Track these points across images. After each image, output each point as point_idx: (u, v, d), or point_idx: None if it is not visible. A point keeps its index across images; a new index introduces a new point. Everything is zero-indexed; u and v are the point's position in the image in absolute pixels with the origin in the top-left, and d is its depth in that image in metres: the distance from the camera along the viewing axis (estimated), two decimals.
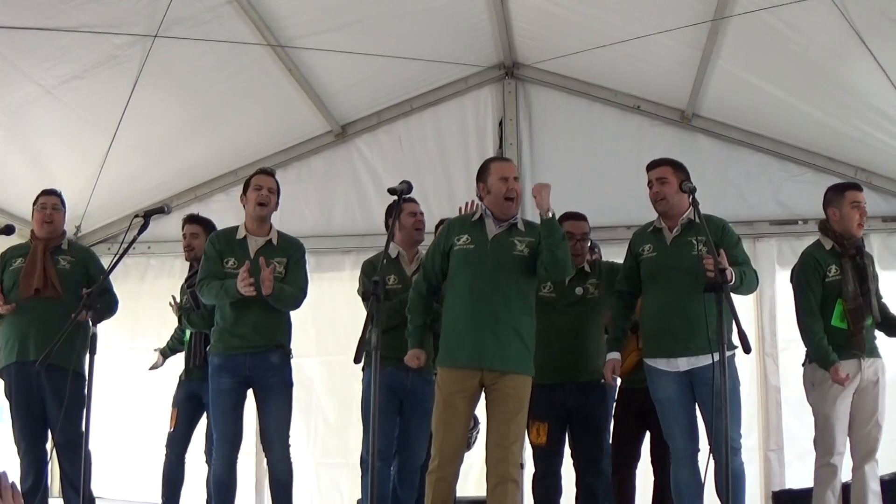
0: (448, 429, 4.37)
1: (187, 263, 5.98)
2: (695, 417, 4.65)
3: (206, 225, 5.88)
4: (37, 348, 5.12)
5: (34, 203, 5.54)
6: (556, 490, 5.13)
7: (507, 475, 4.27)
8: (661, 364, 4.65)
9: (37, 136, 6.47)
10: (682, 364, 4.59)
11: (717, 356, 4.27)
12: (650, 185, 4.89)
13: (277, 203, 5.14)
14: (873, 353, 4.97)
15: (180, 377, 5.76)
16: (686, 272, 4.58)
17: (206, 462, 5.55)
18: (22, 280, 5.28)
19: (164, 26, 5.71)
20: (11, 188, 6.87)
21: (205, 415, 5.62)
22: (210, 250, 5.02)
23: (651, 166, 4.96)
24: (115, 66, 5.98)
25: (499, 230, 4.53)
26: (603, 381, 4.96)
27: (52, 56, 5.71)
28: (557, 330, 5.02)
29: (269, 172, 5.15)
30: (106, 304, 5.30)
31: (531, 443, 5.07)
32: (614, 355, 4.82)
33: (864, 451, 4.89)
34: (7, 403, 5.33)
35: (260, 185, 5.02)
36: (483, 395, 4.48)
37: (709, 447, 4.49)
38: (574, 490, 5.11)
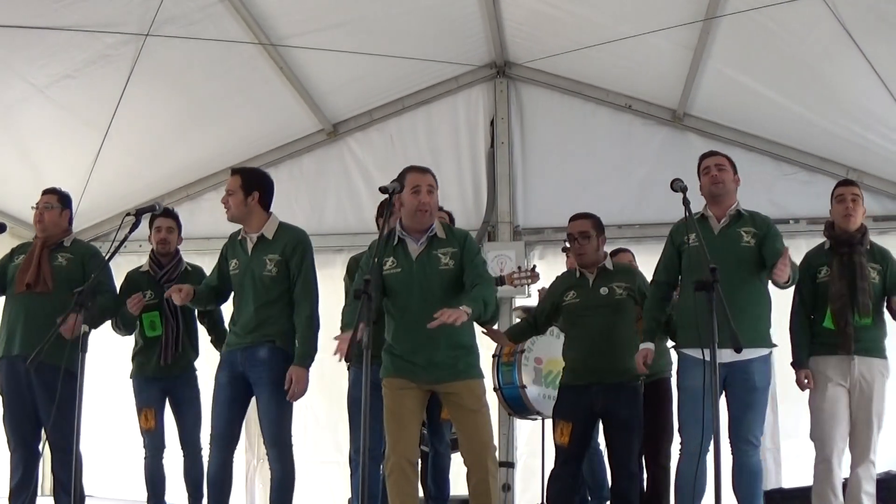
0: (399, 422, 4.34)
1: None
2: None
3: (178, 219, 5.84)
4: (22, 343, 5.14)
5: None
6: (572, 493, 5.05)
7: (487, 472, 4.28)
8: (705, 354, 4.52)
9: (28, 135, 6.46)
10: (726, 356, 4.34)
11: (764, 352, 4.62)
12: (707, 171, 4.76)
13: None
14: (869, 352, 4.88)
15: (142, 375, 5.60)
16: (735, 263, 4.54)
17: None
18: (17, 275, 5.32)
19: (155, 25, 5.72)
20: (3, 186, 6.86)
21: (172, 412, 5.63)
22: (222, 251, 5.07)
23: (712, 154, 4.89)
24: (106, 64, 5.99)
25: (421, 248, 4.42)
26: (632, 380, 4.93)
27: (44, 55, 5.71)
28: (587, 332, 4.96)
29: (232, 171, 5.07)
30: (101, 307, 5.19)
31: (555, 442, 5.00)
32: (648, 345, 4.71)
33: (856, 453, 4.85)
34: None
35: (226, 188, 4.99)
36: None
37: (730, 444, 4.49)
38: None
